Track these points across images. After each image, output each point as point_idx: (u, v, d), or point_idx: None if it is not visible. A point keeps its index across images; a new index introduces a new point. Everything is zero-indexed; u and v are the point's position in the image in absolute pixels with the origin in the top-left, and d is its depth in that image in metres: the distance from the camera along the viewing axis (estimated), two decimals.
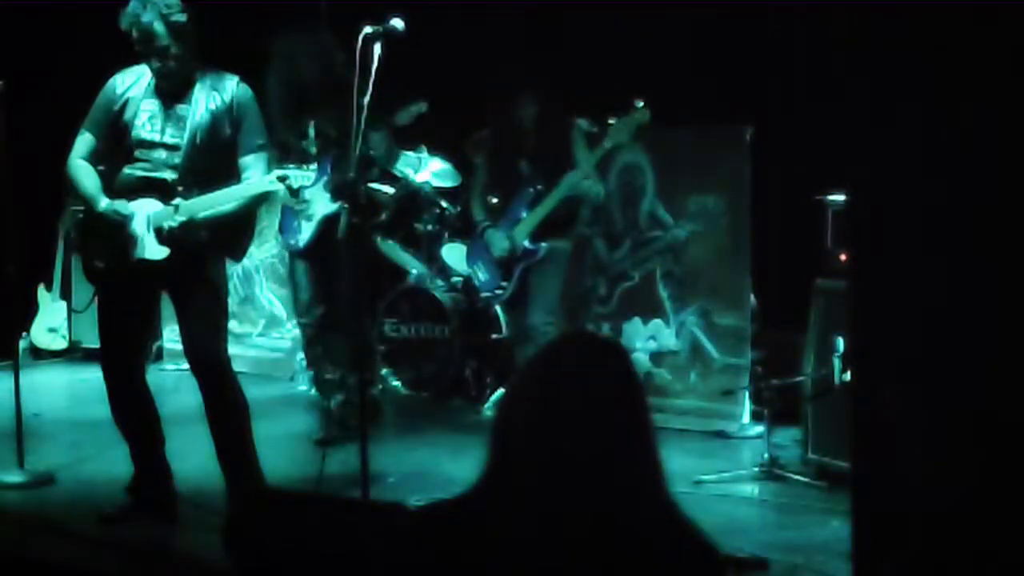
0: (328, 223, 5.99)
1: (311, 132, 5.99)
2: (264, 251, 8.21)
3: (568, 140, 5.99)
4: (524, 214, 6.01)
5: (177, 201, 4.51)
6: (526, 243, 6.00)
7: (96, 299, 4.79)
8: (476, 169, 6.46)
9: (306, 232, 6.09)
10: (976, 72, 2.66)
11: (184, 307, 4.72)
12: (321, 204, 6.03)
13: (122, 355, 4.75)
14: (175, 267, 4.59)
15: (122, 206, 4.56)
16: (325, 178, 5.95)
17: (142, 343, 4.91)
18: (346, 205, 5.57)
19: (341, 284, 5.99)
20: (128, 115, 4.62)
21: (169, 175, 4.57)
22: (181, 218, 4.49)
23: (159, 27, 4.48)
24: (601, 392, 2.04)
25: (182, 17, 4.52)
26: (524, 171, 6.06)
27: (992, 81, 2.64)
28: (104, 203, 4.58)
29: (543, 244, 6.01)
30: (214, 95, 4.61)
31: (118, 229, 4.57)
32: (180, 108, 4.61)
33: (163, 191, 4.56)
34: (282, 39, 6.07)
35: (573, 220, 6.16)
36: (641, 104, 5.70)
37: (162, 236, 4.53)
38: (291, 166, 4.61)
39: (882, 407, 2.75)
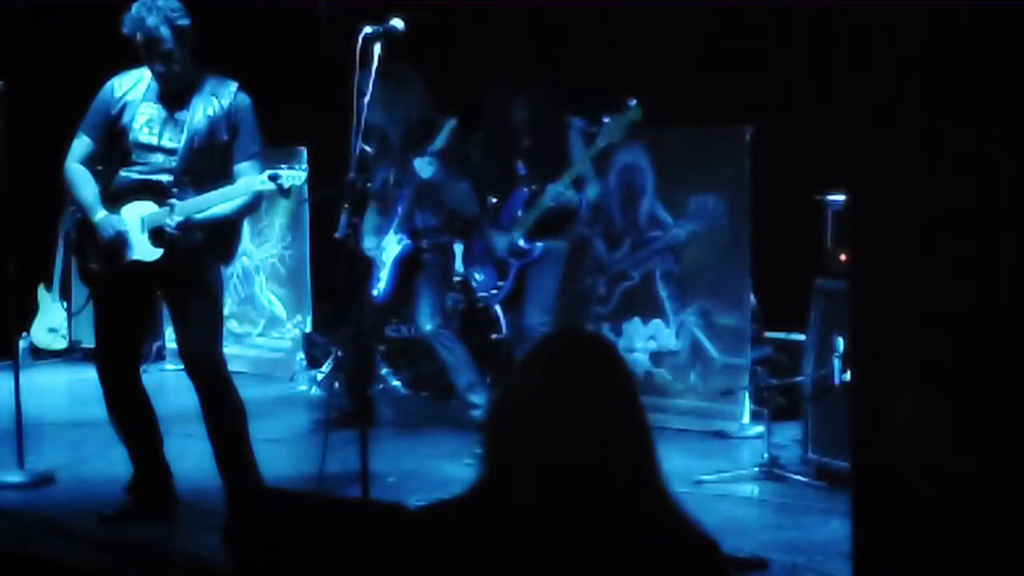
0: (400, 265, 6.17)
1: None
2: (264, 251, 8.21)
3: (564, 140, 5.99)
4: (520, 214, 6.01)
5: (173, 202, 4.51)
6: (522, 242, 6.00)
7: (91, 301, 4.79)
8: (473, 169, 6.44)
9: (383, 281, 6.20)
10: (976, 72, 2.66)
11: (179, 311, 4.71)
12: (391, 249, 6.20)
13: (117, 357, 4.73)
14: (169, 269, 4.58)
15: (117, 221, 4.55)
16: (396, 221, 6.17)
17: (137, 345, 4.88)
18: (346, 205, 5.55)
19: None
20: (126, 118, 4.60)
21: (165, 178, 4.56)
22: (178, 218, 4.49)
23: (164, 31, 4.45)
24: (593, 387, 2.04)
25: (186, 21, 4.51)
26: (520, 171, 6.06)
27: (992, 81, 2.64)
28: (100, 215, 4.57)
29: (539, 244, 6.01)
30: (212, 100, 4.59)
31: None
32: (179, 113, 4.58)
33: (159, 194, 4.55)
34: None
35: (570, 220, 6.15)
36: (634, 103, 5.69)
37: (158, 237, 4.53)
38: (283, 166, 4.59)
39: (891, 408, 2.76)
